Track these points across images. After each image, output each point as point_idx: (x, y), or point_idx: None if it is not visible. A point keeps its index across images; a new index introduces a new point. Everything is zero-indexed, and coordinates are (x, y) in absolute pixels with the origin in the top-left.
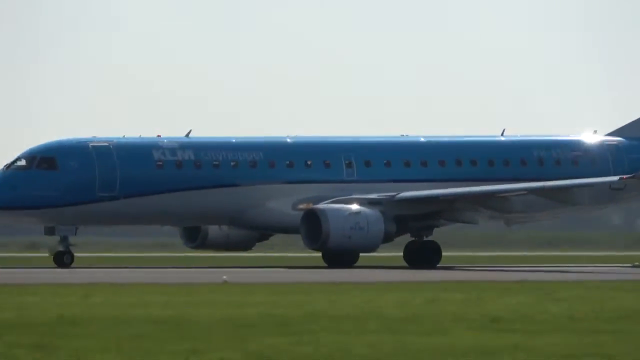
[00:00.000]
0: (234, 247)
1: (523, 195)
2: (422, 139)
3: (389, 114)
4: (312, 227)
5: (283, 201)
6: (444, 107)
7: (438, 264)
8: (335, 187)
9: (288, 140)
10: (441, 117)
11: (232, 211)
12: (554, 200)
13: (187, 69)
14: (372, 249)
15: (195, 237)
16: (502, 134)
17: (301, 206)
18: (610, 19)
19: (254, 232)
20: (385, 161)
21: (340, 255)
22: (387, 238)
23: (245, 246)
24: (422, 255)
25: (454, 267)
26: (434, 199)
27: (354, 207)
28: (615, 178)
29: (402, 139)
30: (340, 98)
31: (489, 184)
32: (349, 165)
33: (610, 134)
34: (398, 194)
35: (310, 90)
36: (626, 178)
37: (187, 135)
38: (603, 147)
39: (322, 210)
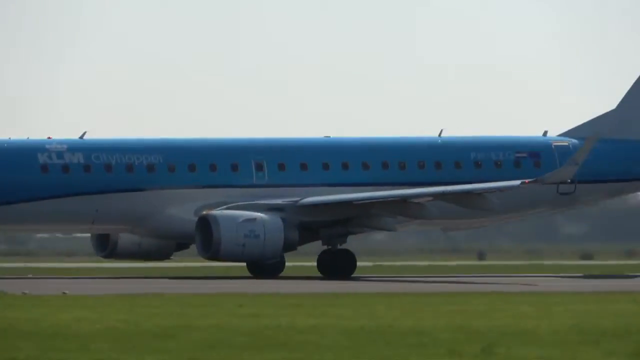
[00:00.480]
0: (148, 256)
1: (437, 201)
2: (347, 140)
3: (316, 114)
4: (205, 235)
5: (185, 207)
6: (383, 107)
7: (352, 274)
8: (244, 192)
9: (192, 141)
10: (379, 116)
11: (130, 219)
12: (464, 206)
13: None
14: (270, 258)
15: (105, 246)
16: (439, 135)
17: (204, 213)
18: (568, 16)
19: (170, 240)
20: (301, 164)
21: (263, 265)
22: (289, 247)
23: (162, 255)
24: (336, 265)
25: (371, 277)
26: (342, 205)
27: (250, 213)
28: (517, 182)
29: (322, 140)
30: (262, 96)
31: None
32: (260, 168)
33: (562, 135)
34: (301, 199)
35: (221, 88)
36: (528, 182)
37: (81, 137)
38: (550, 149)
39: (214, 217)
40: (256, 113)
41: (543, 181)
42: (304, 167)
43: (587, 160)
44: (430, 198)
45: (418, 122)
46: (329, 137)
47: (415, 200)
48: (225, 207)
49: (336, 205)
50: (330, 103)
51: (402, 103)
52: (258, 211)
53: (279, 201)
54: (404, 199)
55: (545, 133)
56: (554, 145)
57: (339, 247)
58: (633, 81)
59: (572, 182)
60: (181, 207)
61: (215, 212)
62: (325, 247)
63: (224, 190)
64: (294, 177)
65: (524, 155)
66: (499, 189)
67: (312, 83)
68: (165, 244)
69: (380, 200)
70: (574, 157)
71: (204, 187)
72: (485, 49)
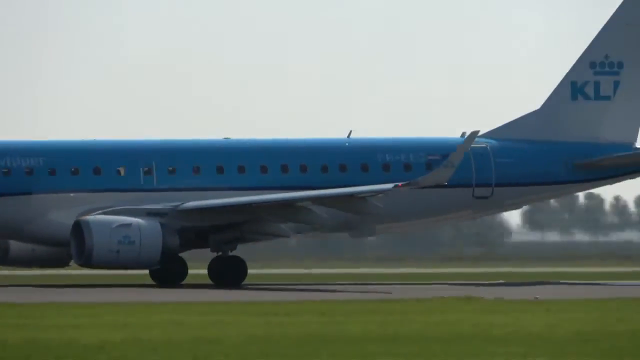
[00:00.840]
0: (44, 263)
1: (324, 206)
2: (245, 142)
3: (220, 116)
4: (80, 241)
5: (67, 213)
6: (291, 108)
7: (242, 281)
8: (131, 196)
9: (75, 143)
10: (286, 118)
11: (9, 224)
12: (346, 210)
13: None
14: (148, 265)
15: None
16: (348, 136)
17: (77, 218)
18: (494, 13)
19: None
20: (194, 167)
21: (167, 272)
22: (169, 253)
23: (59, 262)
24: (226, 272)
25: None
26: (224, 210)
27: (125, 218)
28: (390, 186)
29: (217, 142)
30: (163, 97)
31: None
32: (148, 172)
33: (483, 136)
34: (182, 203)
35: (123, 88)
36: (401, 185)
37: None
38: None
39: (86, 223)
40: (152, 114)
41: (417, 184)
42: (196, 170)
43: (507, 162)
44: (309, 202)
45: (329, 123)
46: (229, 138)
47: (299, 205)
48: (101, 211)
49: (216, 210)
50: (231, 103)
51: (316, 103)
52: (136, 216)
53: (159, 206)
54: (289, 204)
55: (463, 134)
56: (471, 147)
57: (230, 253)
58: (558, 81)
59: (490, 185)
60: (63, 212)
61: (89, 217)
62: (217, 254)
63: (110, 195)
64: (186, 181)
65: (436, 157)
66: (371, 193)
67: (218, 82)
68: (60, 250)
69: (263, 204)
70: (449, 159)
71: (88, 191)
72: (406, 47)
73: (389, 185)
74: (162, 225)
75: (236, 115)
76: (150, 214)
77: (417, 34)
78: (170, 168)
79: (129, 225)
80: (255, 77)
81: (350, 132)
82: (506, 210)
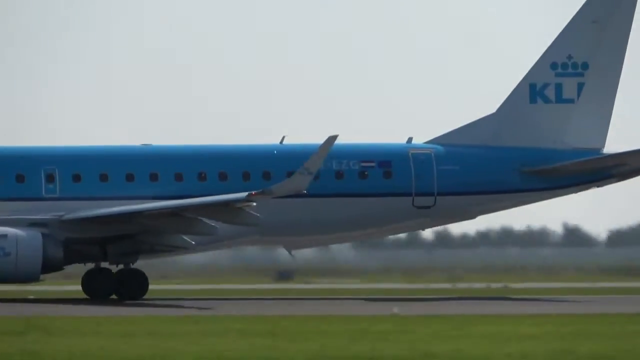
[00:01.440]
0: None
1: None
2: (161, 149)
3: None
4: None
5: None
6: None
7: (143, 295)
8: (31, 205)
9: None
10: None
11: None
12: (224, 221)
13: None
14: (27, 279)
15: None
16: (281, 141)
17: None
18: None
19: None
20: (100, 174)
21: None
22: (52, 266)
23: None
24: (125, 286)
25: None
26: (114, 220)
27: (2, 229)
28: (244, 194)
29: (129, 149)
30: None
31: None
32: (50, 179)
33: (432, 141)
34: (66, 214)
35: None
36: (255, 194)
37: None
38: (406, 157)
39: None
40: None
41: (272, 193)
42: (103, 178)
43: (451, 170)
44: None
45: (262, 129)
46: (148, 145)
47: (189, 215)
48: None
49: (99, 220)
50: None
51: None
52: (18, 226)
53: (45, 216)
54: (175, 213)
55: (409, 140)
56: (411, 154)
57: (131, 266)
58: (515, 84)
59: (432, 194)
60: None
61: None
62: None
63: (8, 204)
64: (91, 190)
65: (372, 164)
66: (224, 203)
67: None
68: None
69: (146, 214)
70: (305, 165)
71: None
72: (344, 46)
73: (244, 194)
74: (44, 236)
75: (159, 120)
76: (33, 224)
77: (358, 32)
78: (75, 175)
79: (4, 236)
80: (196, 79)
81: (284, 137)
82: (458, 220)
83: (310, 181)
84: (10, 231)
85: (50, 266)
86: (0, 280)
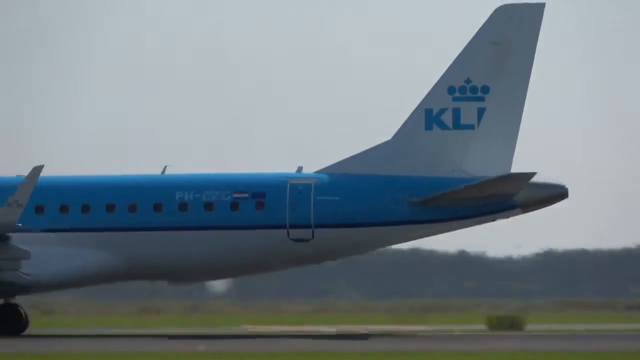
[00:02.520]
0: None
1: None
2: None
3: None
4: None
5: None
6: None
7: (23, 332)
8: None
9: None
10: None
11: None
12: None
13: None
14: None
15: None
16: (163, 171)
17: None
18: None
19: None
20: None
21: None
22: None
23: None
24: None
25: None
26: None
27: None
28: None
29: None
30: None
31: None
32: None
33: (324, 170)
34: None
35: None
36: None
37: None
38: (283, 188)
39: None
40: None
41: None
42: None
43: (330, 201)
44: None
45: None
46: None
47: None
48: None
49: None
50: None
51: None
52: None
53: None
54: None
55: (299, 169)
56: (290, 184)
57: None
58: (411, 110)
59: (309, 226)
60: None
61: None
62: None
63: None
64: None
65: (244, 195)
66: None
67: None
68: None
69: None
70: (12, 197)
71: None
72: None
73: None
74: None
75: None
76: None
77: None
78: None
79: None
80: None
81: (165, 167)
82: (343, 256)
83: (19, 213)
84: None
85: None
86: None
